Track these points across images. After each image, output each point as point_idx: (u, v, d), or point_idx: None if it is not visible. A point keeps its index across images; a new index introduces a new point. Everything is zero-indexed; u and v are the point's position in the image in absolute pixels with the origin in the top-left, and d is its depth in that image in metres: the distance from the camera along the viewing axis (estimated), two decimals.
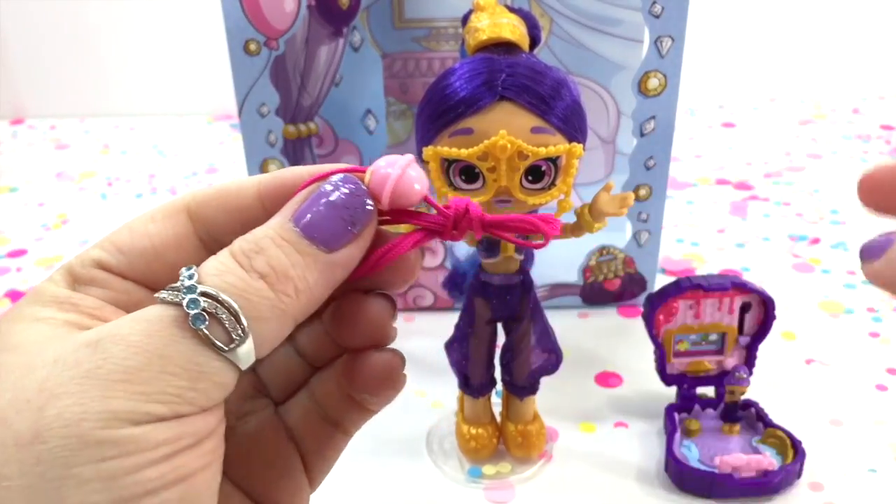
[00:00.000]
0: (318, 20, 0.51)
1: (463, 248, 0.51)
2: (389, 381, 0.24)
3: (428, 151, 0.33)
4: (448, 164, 0.34)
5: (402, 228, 0.24)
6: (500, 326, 0.41)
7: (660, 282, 0.52)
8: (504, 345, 0.41)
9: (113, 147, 0.89)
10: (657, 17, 0.46)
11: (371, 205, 0.22)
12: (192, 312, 0.19)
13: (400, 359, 0.25)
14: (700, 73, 0.80)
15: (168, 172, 0.82)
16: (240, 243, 0.21)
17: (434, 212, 0.24)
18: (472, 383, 0.41)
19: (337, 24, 0.52)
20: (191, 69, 0.94)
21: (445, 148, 0.33)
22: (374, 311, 0.24)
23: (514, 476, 0.42)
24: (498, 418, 0.43)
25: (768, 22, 0.94)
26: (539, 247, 0.24)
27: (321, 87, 0.53)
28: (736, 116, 0.93)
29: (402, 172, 0.22)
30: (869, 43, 0.96)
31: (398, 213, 0.23)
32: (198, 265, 0.21)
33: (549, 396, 0.45)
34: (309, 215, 0.21)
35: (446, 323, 0.42)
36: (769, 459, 0.40)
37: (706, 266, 0.62)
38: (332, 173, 0.22)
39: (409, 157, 0.23)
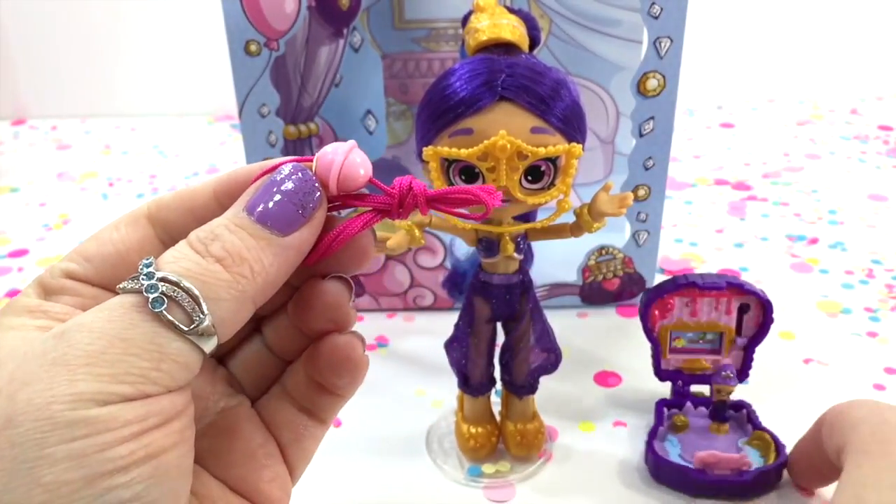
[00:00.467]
0: (319, 21, 0.51)
1: (463, 248, 0.51)
2: (350, 361, 0.25)
3: (428, 151, 0.34)
4: (448, 164, 0.34)
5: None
6: (499, 326, 0.41)
7: (658, 282, 0.52)
8: (503, 344, 0.41)
9: (114, 147, 0.89)
10: (656, 17, 0.46)
11: (319, 189, 0.23)
12: (150, 296, 0.20)
13: (359, 339, 0.26)
14: (699, 73, 0.81)
15: (169, 173, 0.82)
16: (196, 233, 0.22)
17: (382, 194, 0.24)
18: (472, 382, 0.42)
19: (337, 25, 0.52)
20: (191, 70, 0.95)
21: (445, 148, 0.33)
22: (330, 293, 0.25)
23: (513, 475, 0.42)
24: (497, 417, 0.44)
25: (767, 22, 0.95)
26: (480, 218, 0.25)
27: (321, 88, 0.53)
28: (734, 117, 0.93)
29: (346, 158, 0.23)
30: (867, 44, 0.96)
31: (346, 197, 0.24)
32: None
33: (549, 396, 0.45)
34: (261, 203, 0.22)
35: (446, 323, 0.43)
36: (745, 459, 0.40)
37: (705, 266, 0.62)
38: (282, 164, 0.23)
39: (352, 142, 0.23)
